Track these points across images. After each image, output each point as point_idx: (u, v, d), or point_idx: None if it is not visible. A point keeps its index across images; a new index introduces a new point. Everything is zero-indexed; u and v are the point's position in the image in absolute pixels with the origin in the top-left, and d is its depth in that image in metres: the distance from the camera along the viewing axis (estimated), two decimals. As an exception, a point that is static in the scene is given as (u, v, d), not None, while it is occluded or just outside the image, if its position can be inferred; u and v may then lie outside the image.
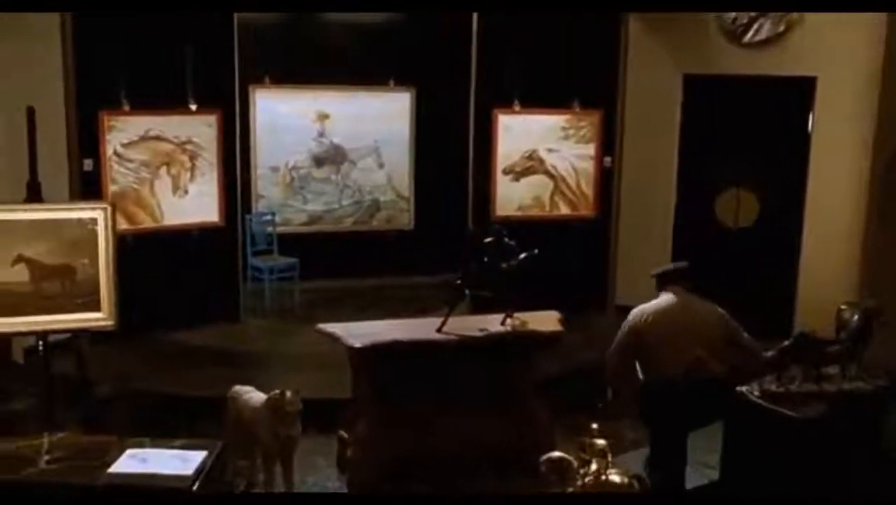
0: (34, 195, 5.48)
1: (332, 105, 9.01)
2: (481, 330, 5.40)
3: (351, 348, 5.17)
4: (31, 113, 5.41)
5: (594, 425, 3.66)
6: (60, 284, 5.00)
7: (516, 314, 5.54)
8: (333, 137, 9.11)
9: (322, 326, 5.48)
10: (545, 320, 5.57)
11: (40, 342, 5.13)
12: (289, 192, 9.06)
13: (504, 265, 5.41)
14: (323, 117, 9.02)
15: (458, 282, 5.51)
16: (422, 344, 5.24)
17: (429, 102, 9.20)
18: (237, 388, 5.29)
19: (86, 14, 6.80)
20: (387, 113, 9.16)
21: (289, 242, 8.72)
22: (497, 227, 5.60)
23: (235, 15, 7.60)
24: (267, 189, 9.01)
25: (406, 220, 9.49)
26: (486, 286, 5.45)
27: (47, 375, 5.28)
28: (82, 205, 5.42)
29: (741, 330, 4.90)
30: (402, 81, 9.15)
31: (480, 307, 5.86)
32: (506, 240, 5.53)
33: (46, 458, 3.90)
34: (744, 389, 4.44)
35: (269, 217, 8.83)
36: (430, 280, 8.61)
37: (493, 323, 5.51)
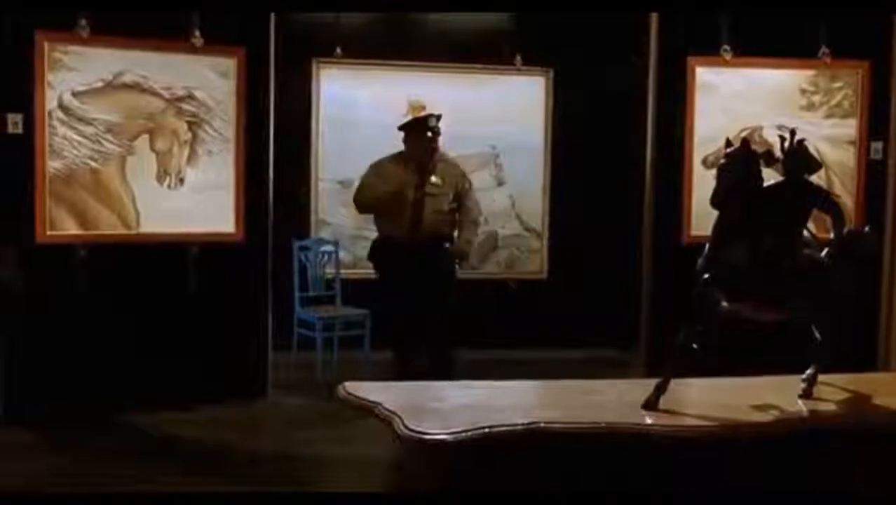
0: None
1: (431, 92, 7.15)
2: (762, 409, 2.33)
3: (419, 441, 2.09)
4: None
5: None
6: None
7: (822, 377, 2.52)
8: (432, 140, 7.42)
9: (351, 386, 2.45)
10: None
11: None
12: (364, 217, 7.27)
13: (819, 253, 2.41)
14: (417, 109, 7.18)
15: (704, 287, 2.29)
16: (609, 436, 2.21)
17: (575, 89, 7.33)
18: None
19: None
20: (511, 105, 7.49)
21: (359, 289, 6.88)
22: (799, 138, 2.42)
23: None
24: (333, 211, 7.23)
25: (537, 263, 7.75)
26: (781, 301, 2.37)
27: None
28: None
29: (473, 192, 5.58)
30: (533, 59, 7.39)
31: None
32: (813, 180, 2.48)
33: None
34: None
35: (330, 249, 6.87)
36: (574, 354, 6.78)
37: (783, 392, 2.46)
